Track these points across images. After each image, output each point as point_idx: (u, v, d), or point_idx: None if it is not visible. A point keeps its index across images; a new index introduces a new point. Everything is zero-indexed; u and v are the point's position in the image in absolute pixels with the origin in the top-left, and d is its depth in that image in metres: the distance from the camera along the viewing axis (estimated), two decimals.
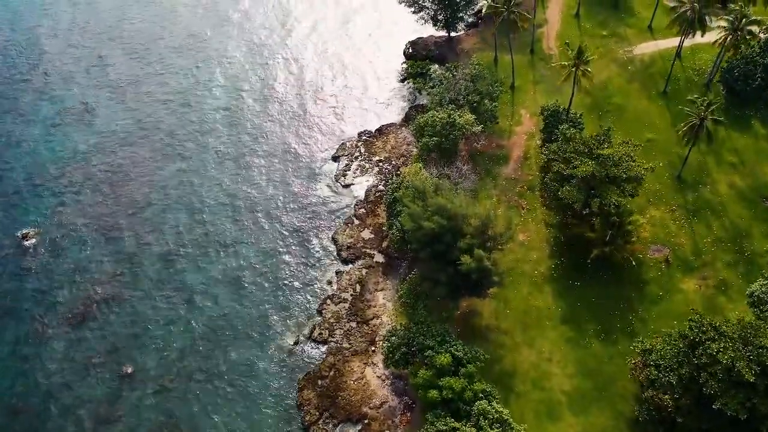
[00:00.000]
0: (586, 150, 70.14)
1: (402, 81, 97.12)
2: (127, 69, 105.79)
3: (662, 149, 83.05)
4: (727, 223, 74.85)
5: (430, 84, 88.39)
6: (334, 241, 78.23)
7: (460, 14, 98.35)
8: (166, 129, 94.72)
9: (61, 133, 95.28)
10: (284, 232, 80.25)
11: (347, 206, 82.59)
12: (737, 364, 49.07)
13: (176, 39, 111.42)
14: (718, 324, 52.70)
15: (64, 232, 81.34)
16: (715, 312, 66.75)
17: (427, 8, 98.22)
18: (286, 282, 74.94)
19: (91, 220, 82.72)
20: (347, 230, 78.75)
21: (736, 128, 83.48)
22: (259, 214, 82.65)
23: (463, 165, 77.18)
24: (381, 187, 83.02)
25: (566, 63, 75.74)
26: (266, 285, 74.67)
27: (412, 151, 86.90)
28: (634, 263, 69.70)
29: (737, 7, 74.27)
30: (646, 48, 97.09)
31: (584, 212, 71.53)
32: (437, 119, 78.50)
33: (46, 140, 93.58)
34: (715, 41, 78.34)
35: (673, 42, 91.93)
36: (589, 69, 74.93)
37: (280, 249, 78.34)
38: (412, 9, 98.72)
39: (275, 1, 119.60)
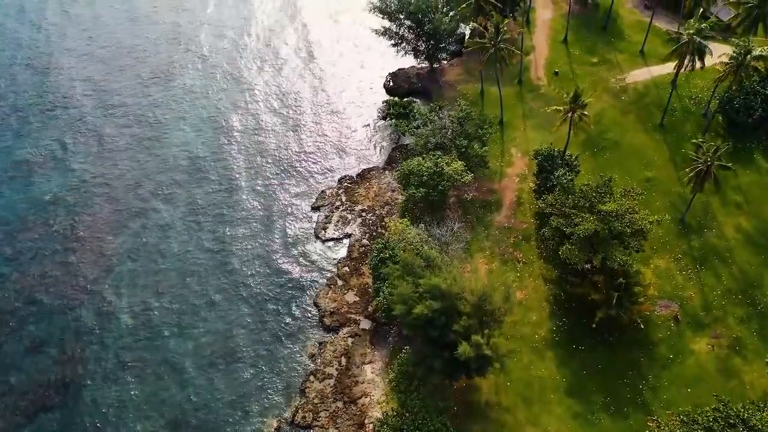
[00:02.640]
0: (587, 204, 64.73)
1: (383, 118, 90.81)
2: (89, 111, 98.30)
3: (663, 189, 78.09)
4: (736, 272, 70.00)
5: (414, 124, 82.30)
6: (316, 305, 71.66)
7: (442, 45, 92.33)
8: (130, 182, 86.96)
9: (15, 187, 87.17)
10: (260, 297, 73.37)
11: (329, 264, 76.04)
12: None
13: (140, 76, 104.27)
14: (746, 416, 47.50)
15: (18, 305, 73.59)
16: (731, 376, 62.02)
17: (407, 39, 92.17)
18: (263, 356, 68.08)
19: (48, 290, 75.00)
20: (330, 293, 72.31)
21: (739, 162, 78.38)
22: (233, 277, 75.45)
23: (454, 222, 71.12)
24: (365, 241, 76.75)
25: (561, 108, 70.16)
26: (242, 361, 67.74)
27: (396, 199, 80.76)
28: (641, 325, 64.46)
29: (741, 42, 69.26)
30: (639, 75, 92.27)
31: (586, 267, 66.30)
32: (423, 168, 72.61)
33: None
34: (718, 77, 73.47)
35: (667, 68, 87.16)
36: (585, 113, 69.47)
37: (257, 318, 71.47)
38: (392, 41, 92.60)
39: (250, 33, 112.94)
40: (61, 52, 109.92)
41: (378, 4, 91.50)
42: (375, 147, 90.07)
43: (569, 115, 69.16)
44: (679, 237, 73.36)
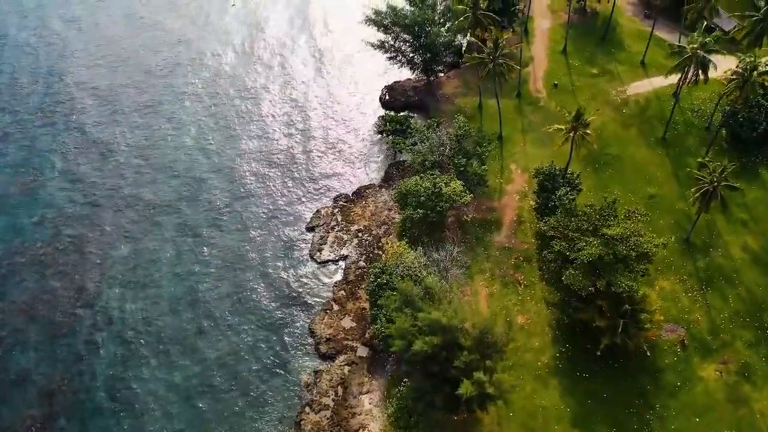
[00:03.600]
0: (591, 228, 62.64)
1: (380, 133, 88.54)
2: (89, 122, 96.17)
3: (666, 206, 76.12)
4: (744, 293, 68.10)
5: (411, 141, 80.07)
6: (311, 331, 69.34)
7: (438, 58, 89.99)
8: (119, 204, 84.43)
9: (10, 202, 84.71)
10: (253, 323, 70.90)
11: (325, 288, 73.68)
12: None
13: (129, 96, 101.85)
14: None
15: (3, 333, 71.12)
16: (741, 404, 60.09)
17: (403, 52, 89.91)
18: (257, 386, 65.66)
19: (33, 316, 72.53)
20: (326, 318, 70.00)
21: (743, 178, 76.52)
22: (225, 302, 72.93)
23: (453, 245, 68.91)
24: (362, 263, 74.49)
25: (563, 126, 68.07)
26: (234, 391, 65.33)
27: (393, 218, 78.44)
28: (647, 352, 62.39)
29: (747, 57, 67.25)
30: (641, 87, 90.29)
31: (590, 290, 64.16)
32: (421, 188, 70.39)
33: None
34: (723, 92, 71.49)
35: (668, 80, 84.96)
36: (588, 131, 67.39)
37: (250, 345, 69.03)
38: (387, 54, 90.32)
39: (249, 43, 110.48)
40: (60, 61, 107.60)
41: (373, 17, 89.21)
42: (371, 163, 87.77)
43: (571, 134, 67.02)
44: (684, 257, 71.38)
